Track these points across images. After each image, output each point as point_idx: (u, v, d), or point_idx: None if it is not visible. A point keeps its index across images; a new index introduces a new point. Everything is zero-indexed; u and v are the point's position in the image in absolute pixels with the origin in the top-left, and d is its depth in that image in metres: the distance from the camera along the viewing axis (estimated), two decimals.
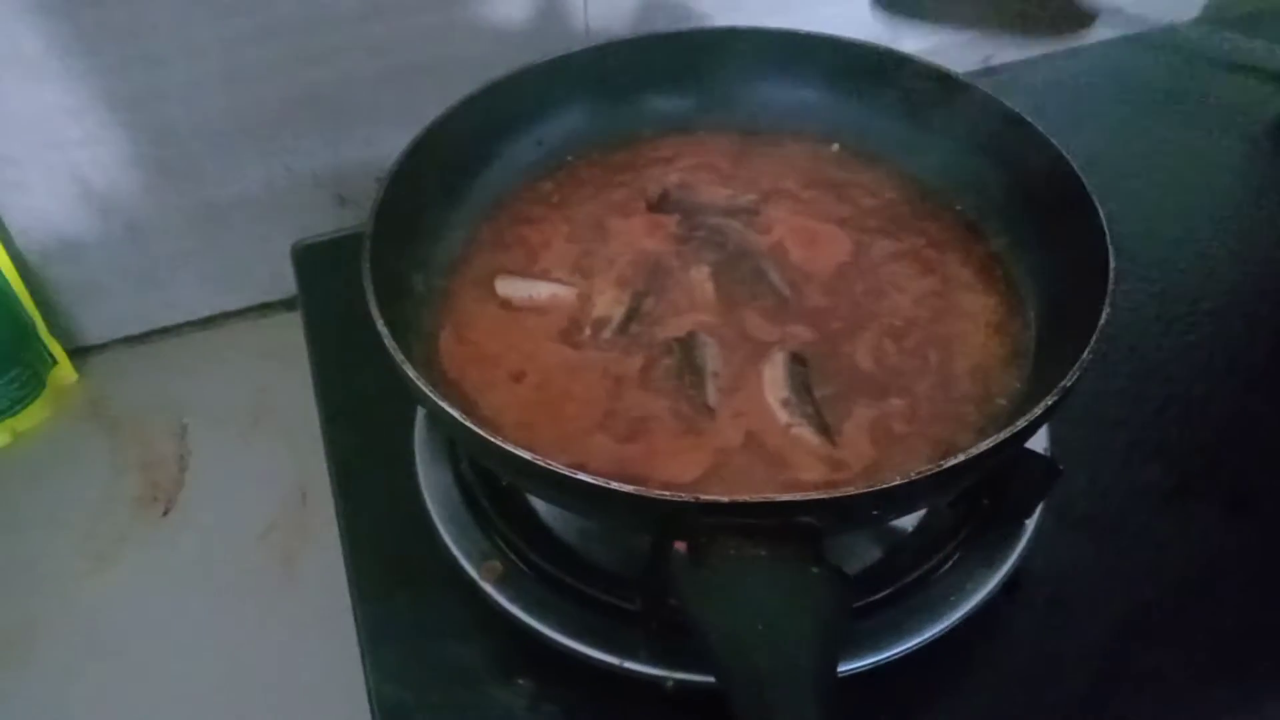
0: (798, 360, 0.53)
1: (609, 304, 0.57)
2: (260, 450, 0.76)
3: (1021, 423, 0.43)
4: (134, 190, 0.75)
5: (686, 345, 0.54)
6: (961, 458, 0.42)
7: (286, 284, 0.79)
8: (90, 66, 0.67)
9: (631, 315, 0.56)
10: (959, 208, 0.62)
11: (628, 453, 0.50)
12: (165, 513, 0.72)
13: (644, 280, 0.58)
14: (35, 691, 0.64)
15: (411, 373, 0.45)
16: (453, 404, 0.44)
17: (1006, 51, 0.95)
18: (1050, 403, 0.44)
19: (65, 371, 0.80)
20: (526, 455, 0.42)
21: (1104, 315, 0.47)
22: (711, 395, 0.52)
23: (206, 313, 0.84)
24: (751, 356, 0.54)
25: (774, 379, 0.52)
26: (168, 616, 0.66)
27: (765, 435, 0.50)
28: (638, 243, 0.61)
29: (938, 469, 0.41)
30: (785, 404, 0.51)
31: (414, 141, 0.57)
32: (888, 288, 0.58)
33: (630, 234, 0.62)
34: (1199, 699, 0.52)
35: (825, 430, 0.50)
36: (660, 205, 0.63)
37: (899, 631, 0.51)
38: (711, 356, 0.54)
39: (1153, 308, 0.70)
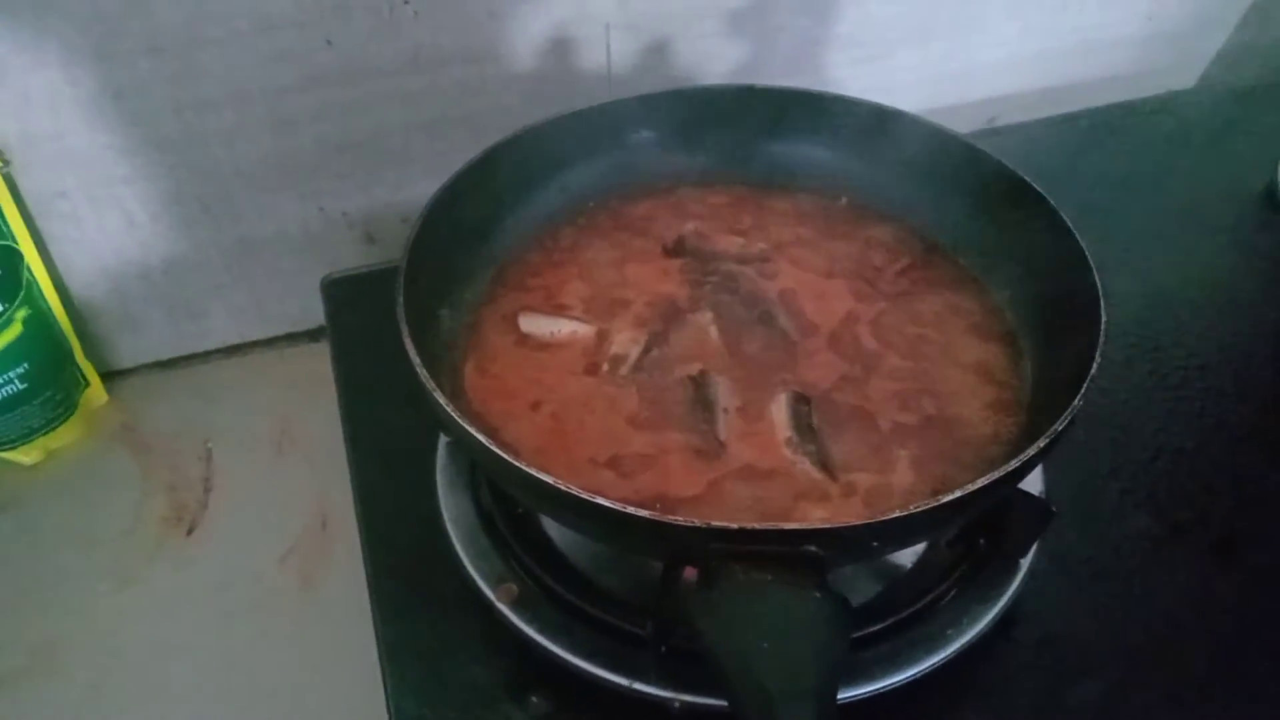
0: (801, 400, 0.56)
1: (626, 342, 0.60)
2: (283, 475, 0.78)
3: (1015, 463, 0.46)
4: (175, 226, 0.78)
5: (699, 382, 0.57)
6: (958, 493, 0.44)
7: (313, 316, 0.83)
8: (143, 109, 0.71)
9: (647, 353, 0.59)
10: (962, 262, 0.66)
11: (641, 481, 0.52)
12: (189, 533, 0.75)
13: (659, 321, 0.61)
14: (59, 707, 0.65)
15: (440, 399, 0.48)
16: (477, 431, 0.47)
17: (1011, 113, 0.99)
18: (1043, 444, 0.46)
19: (97, 393, 0.83)
20: (547, 479, 0.44)
21: (1094, 366, 0.50)
22: (722, 430, 0.55)
23: (235, 341, 0.87)
24: (760, 396, 0.57)
25: (779, 417, 0.55)
26: (190, 635, 0.68)
27: (772, 469, 0.53)
28: (654, 286, 0.64)
29: (935, 503, 0.44)
30: (789, 441, 0.54)
31: (447, 183, 0.60)
32: (891, 335, 0.61)
33: (647, 278, 0.65)
34: None
35: (827, 467, 0.53)
36: (676, 251, 0.66)
37: (897, 662, 0.53)
38: (723, 393, 0.56)
39: (1146, 363, 0.73)
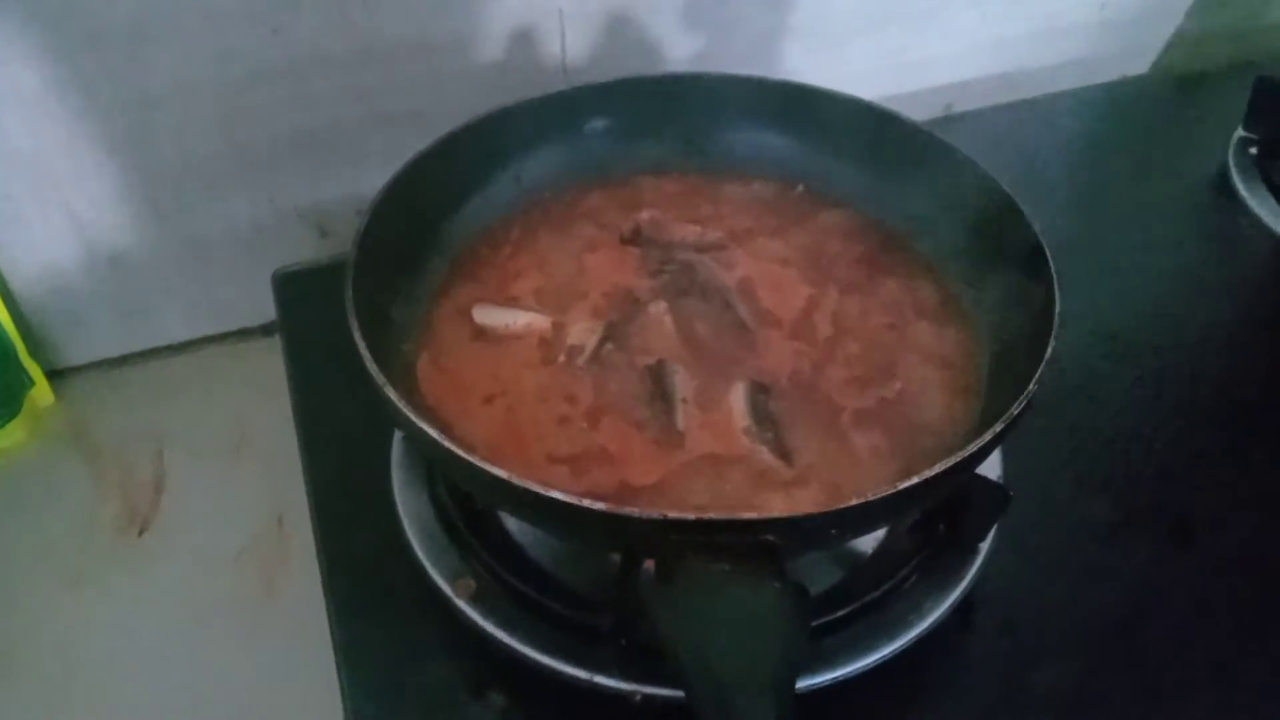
0: (759, 389, 0.56)
1: (583, 333, 0.59)
2: (237, 475, 0.76)
3: (971, 448, 0.46)
4: (122, 225, 0.76)
5: (656, 372, 0.57)
6: (915, 480, 0.44)
7: (266, 311, 0.81)
8: (87, 107, 0.69)
9: (604, 344, 0.58)
10: (918, 249, 0.66)
11: (598, 474, 0.52)
12: (140, 534, 0.73)
13: (617, 311, 0.61)
14: (11, 711, 0.64)
15: (392, 394, 0.47)
16: (430, 426, 0.46)
17: (968, 100, 0.99)
18: (999, 429, 0.46)
19: (43, 393, 0.81)
20: (500, 474, 0.44)
21: (1049, 350, 0.50)
22: (680, 420, 0.54)
23: (185, 338, 0.86)
24: (718, 385, 0.57)
25: (737, 406, 0.55)
26: (144, 638, 0.67)
27: (730, 458, 0.52)
28: (611, 276, 0.64)
29: (893, 491, 0.44)
30: (747, 430, 0.54)
31: (397, 175, 0.59)
32: (849, 323, 0.61)
33: (603, 268, 0.64)
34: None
35: (785, 455, 0.52)
36: (633, 240, 0.66)
37: (857, 649, 0.53)
38: (680, 383, 0.56)
39: (1103, 348, 0.74)
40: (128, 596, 0.70)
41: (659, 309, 0.61)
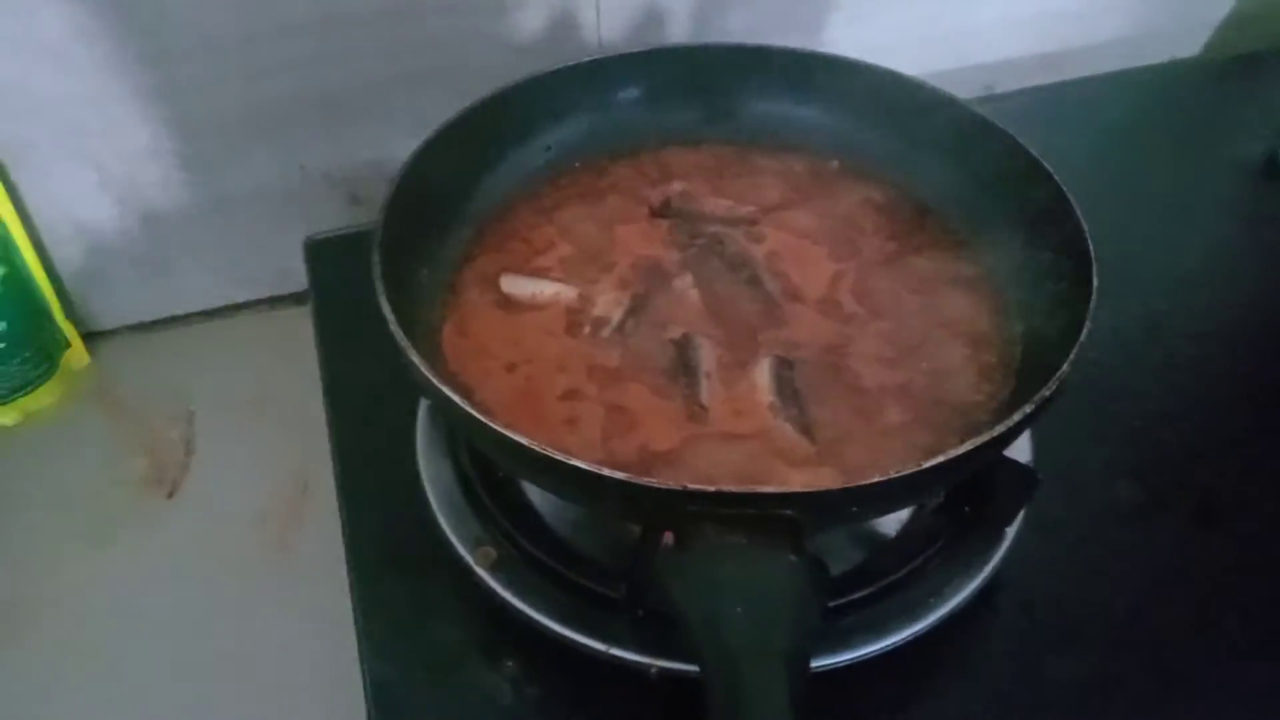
0: (784, 364, 0.55)
1: (609, 304, 0.59)
2: (263, 439, 0.77)
3: (999, 429, 0.45)
4: (150, 181, 0.76)
5: (682, 345, 0.56)
6: (940, 459, 0.43)
7: (295, 279, 0.81)
8: (113, 58, 0.69)
9: (630, 316, 0.58)
10: (954, 226, 0.64)
11: (621, 444, 0.51)
12: (169, 496, 0.74)
13: (644, 283, 0.60)
14: (36, 667, 0.65)
15: (416, 359, 0.47)
16: (453, 392, 0.46)
17: (1009, 80, 0.97)
18: (1029, 410, 0.45)
19: (77, 355, 0.82)
20: (521, 439, 0.44)
21: (1084, 333, 0.49)
22: (704, 394, 0.54)
23: (216, 304, 0.86)
24: (744, 359, 0.56)
25: (762, 381, 0.54)
26: (168, 597, 0.68)
27: (754, 433, 0.52)
28: (639, 248, 0.63)
29: (916, 468, 0.43)
30: (771, 406, 0.53)
31: (427, 141, 0.59)
32: (880, 299, 0.60)
33: (632, 239, 0.64)
34: (1166, 705, 0.54)
35: (808, 431, 0.52)
36: (662, 212, 0.65)
37: (877, 630, 0.52)
38: (706, 357, 0.55)
39: (1137, 331, 0.72)
40: (155, 556, 0.70)
41: (685, 282, 0.60)
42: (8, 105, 0.69)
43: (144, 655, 0.65)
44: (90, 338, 0.84)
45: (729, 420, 0.53)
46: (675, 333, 0.57)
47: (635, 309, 0.59)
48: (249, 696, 0.63)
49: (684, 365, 0.55)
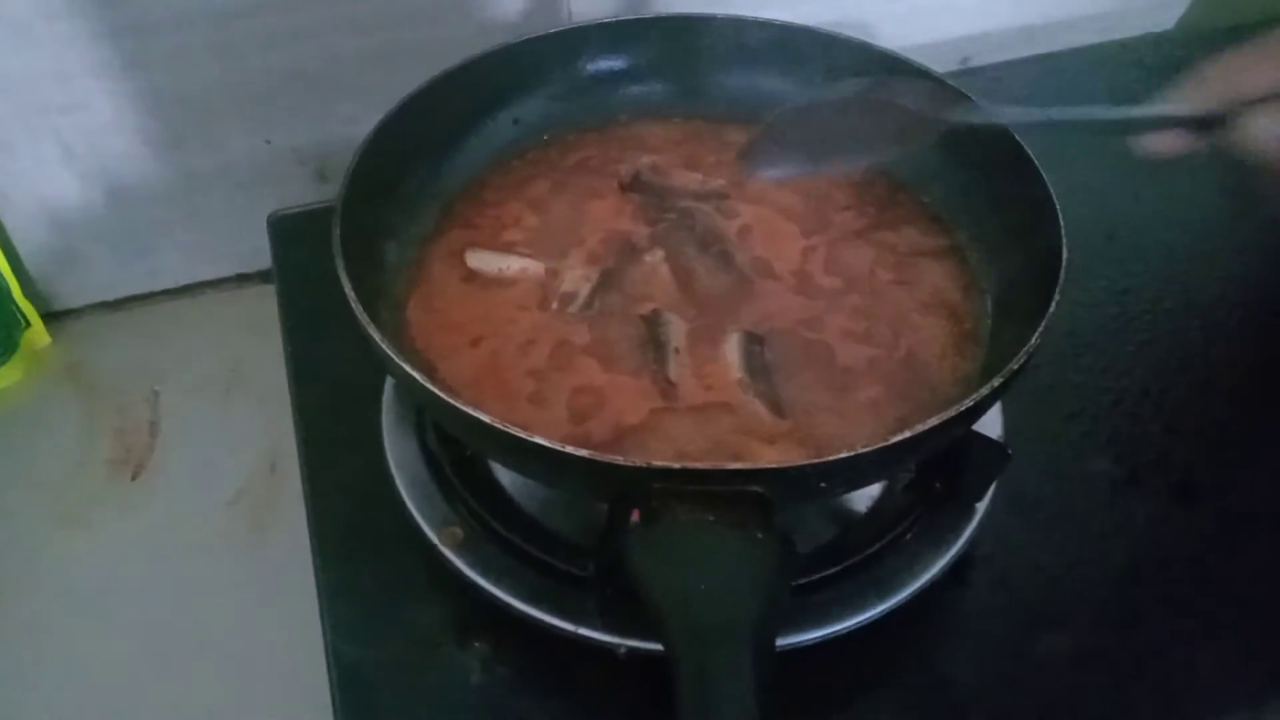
0: (753, 339, 0.54)
1: (577, 280, 0.58)
2: (231, 419, 0.76)
3: (967, 402, 0.44)
4: (116, 157, 0.75)
5: (651, 321, 0.55)
6: (907, 434, 0.43)
7: (264, 257, 0.80)
8: (78, 32, 0.67)
9: (598, 291, 0.57)
10: (924, 199, 0.64)
11: (588, 422, 0.51)
12: (135, 477, 0.73)
13: (613, 258, 0.59)
14: (3, 651, 0.64)
15: (377, 336, 0.46)
16: (417, 370, 0.45)
17: (985, 54, 0.96)
18: (997, 384, 0.45)
19: (39, 335, 0.80)
20: (484, 418, 0.43)
21: (1053, 304, 0.48)
22: (673, 370, 0.53)
23: (183, 282, 0.85)
24: (714, 335, 0.55)
25: (731, 357, 0.53)
26: (135, 578, 0.67)
27: (722, 408, 0.51)
28: (608, 222, 0.62)
29: (883, 444, 0.42)
30: (741, 382, 0.52)
31: (391, 112, 0.58)
32: (851, 274, 0.59)
33: (601, 214, 0.63)
34: (1140, 681, 0.54)
35: (777, 407, 0.51)
36: (632, 186, 0.64)
37: (848, 607, 0.52)
38: (675, 333, 0.55)
39: (1113, 306, 0.72)
40: (120, 537, 0.69)
41: (655, 257, 0.59)
42: None
43: (113, 636, 0.65)
44: (55, 317, 0.82)
45: (698, 395, 0.52)
46: (645, 309, 0.56)
47: (603, 285, 0.58)
48: (219, 678, 0.63)
49: (653, 341, 0.55)
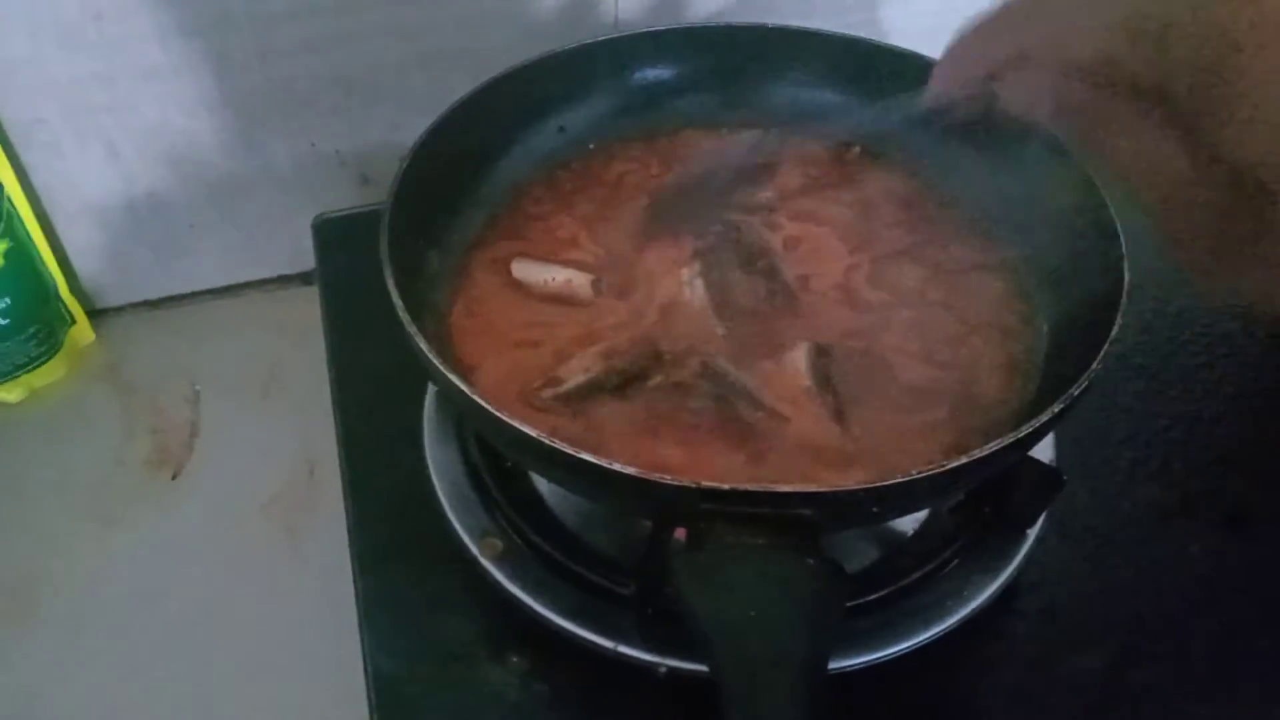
0: (821, 352, 0.54)
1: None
2: (270, 421, 0.76)
3: (1026, 428, 0.43)
4: (161, 159, 0.75)
5: (715, 373, 0.53)
6: (964, 459, 0.42)
7: (305, 259, 0.80)
8: (124, 34, 0.68)
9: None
10: (977, 216, 0.63)
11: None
12: (173, 477, 0.73)
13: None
14: (39, 648, 0.64)
15: (423, 345, 0.46)
16: (460, 379, 0.45)
17: None
18: (1057, 410, 0.44)
19: (83, 332, 0.81)
20: (530, 431, 0.42)
21: (1115, 328, 0.47)
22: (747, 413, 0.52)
23: (224, 282, 0.85)
24: (764, 352, 0.54)
25: (796, 368, 0.52)
26: (171, 579, 0.67)
27: (780, 426, 0.50)
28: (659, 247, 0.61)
29: (939, 469, 0.41)
30: (807, 392, 0.51)
31: (438, 120, 0.58)
32: (902, 291, 0.58)
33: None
34: (1191, 716, 0.52)
35: (841, 418, 0.50)
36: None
37: (894, 633, 0.51)
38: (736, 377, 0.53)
39: (1165, 329, 0.70)
40: (157, 537, 0.69)
41: (693, 272, 0.58)
42: (19, 83, 0.68)
43: (148, 636, 0.64)
44: (97, 315, 0.83)
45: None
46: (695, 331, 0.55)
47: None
48: (252, 679, 0.62)
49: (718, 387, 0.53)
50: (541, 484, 0.58)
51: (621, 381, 0.52)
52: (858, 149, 0.67)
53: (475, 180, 0.62)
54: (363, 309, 0.67)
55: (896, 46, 0.64)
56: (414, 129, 0.57)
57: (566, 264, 0.59)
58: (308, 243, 0.77)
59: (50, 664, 0.63)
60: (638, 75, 0.67)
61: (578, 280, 0.58)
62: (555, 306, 0.57)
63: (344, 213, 0.77)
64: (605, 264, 0.60)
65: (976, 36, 0.47)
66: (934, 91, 0.50)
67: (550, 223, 0.62)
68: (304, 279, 0.85)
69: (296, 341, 0.79)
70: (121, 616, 0.65)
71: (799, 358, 0.53)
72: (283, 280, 0.86)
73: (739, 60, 0.67)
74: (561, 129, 0.66)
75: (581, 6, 0.77)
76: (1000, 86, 0.46)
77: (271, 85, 0.73)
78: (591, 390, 0.52)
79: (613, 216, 0.63)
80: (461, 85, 0.60)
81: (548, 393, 0.52)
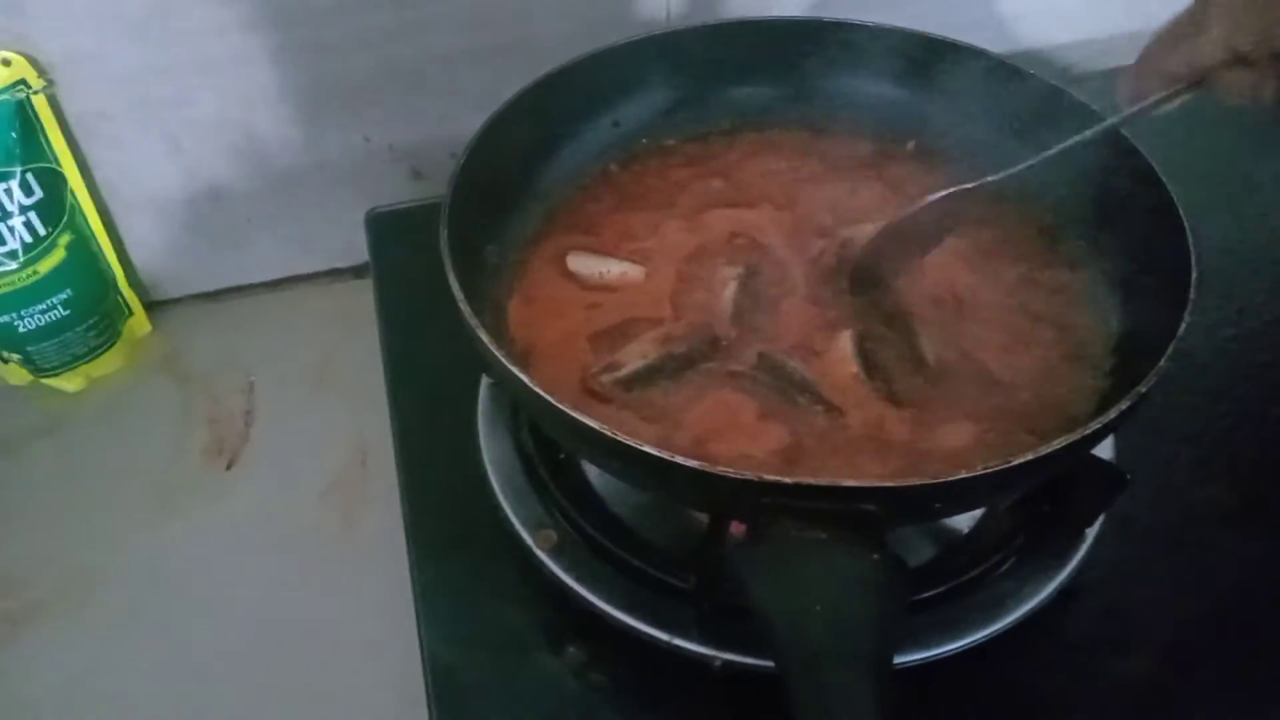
0: (867, 338, 0.54)
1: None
2: (324, 411, 0.77)
3: (1092, 426, 0.43)
4: (218, 151, 0.76)
5: (773, 365, 0.53)
6: (1029, 456, 0.41)
7: (358, 252, 0.81)
8: (185, 29, 0.69)
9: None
10: (1039, 211, 0.62)
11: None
12: (229, 466, 0.74)
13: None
14: (92, 636, 0.65)
15: (484, 336, 0.46)
16: (520, 370, 0.45)
17: (1091, 61, 0.93)
18: (1124, 408, 0.43)
19: (140, 323, 0.82)
20: (590, 423, 0.42)
21: (1183, 326, 0.46)
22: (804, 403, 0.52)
23: (278, 275, 0.86)
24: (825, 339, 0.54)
25: (843, 355, 0.52)
26: (229, 567, 0.68)
27: (843, 418, 0.50)
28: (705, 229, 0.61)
29: (1003, 465, 0.41)
30: (856, 378, 0.51)
31: (494, 116, 0.58)
32: (960, 289, 0.58)
33: (698, 220, 0.62)
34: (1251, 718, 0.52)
35: (895, 399, 0.51)
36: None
37: (953, 629, 0.51)
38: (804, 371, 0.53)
39: (1230, 327, 0.69)
40: (215, 526, 0.70)
41: (731, 272, 0.58)
42: (84, 77, 0.69)
43: (205, 624, 0.65)
44: (155, 306, 0.84)
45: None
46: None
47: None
48: (309, 666, 0.63)
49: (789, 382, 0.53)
50: (594, 475, 0.58)
51: (678, 367, 0.53)
52: (912, 144, 0.67)
53: (530, 175, 0.63)
54: (415, 301, 0.68)
55: (955, 39, 0.64)
56: (465, 124, 0.58)
57: (621, 257, 0.59)
58: (360, 236, 0.78)
59: (108, 651, 0.64)
60: (691, 70, 0.67)
61: (632, 273, 0.58)
62: (610, 296, 0.57)
63: (396, 207, 0.78)
64: (659, 256, 0.59)
65: (1174, 42, 0.50)
66: (1130, 94, 0.52)
67: (604, 215, 0.63)
68: (356, 272, 0.86)
69: (349, 333, 0.79)
70: (178, 603, 0.66)
71: (844, 345, 0.53)
72: (335, 273, 0.87)
73: (792, 55, 0.67)
74: (615, 124, 0.66)
75: (634, 1, 0.77)
76: (1215, 84, 0.49)
77: (327, 79, 0.74)
78: (650, 375, 0.52)
79: (666, 210, 0.63)
80: (513, 80, 0.60)
81: (606, 377, 0.52)
